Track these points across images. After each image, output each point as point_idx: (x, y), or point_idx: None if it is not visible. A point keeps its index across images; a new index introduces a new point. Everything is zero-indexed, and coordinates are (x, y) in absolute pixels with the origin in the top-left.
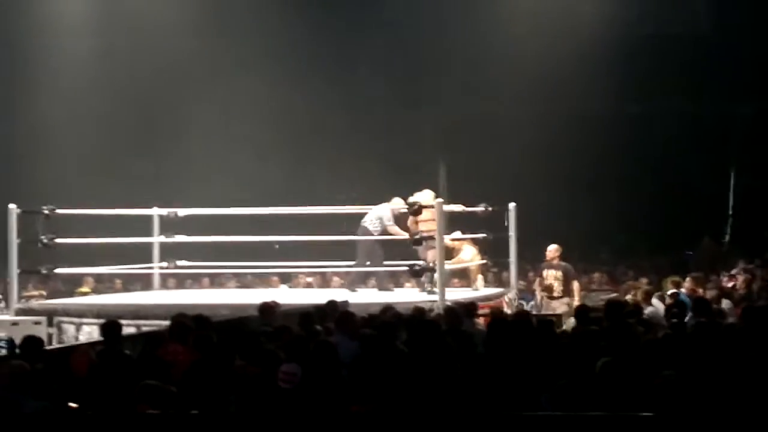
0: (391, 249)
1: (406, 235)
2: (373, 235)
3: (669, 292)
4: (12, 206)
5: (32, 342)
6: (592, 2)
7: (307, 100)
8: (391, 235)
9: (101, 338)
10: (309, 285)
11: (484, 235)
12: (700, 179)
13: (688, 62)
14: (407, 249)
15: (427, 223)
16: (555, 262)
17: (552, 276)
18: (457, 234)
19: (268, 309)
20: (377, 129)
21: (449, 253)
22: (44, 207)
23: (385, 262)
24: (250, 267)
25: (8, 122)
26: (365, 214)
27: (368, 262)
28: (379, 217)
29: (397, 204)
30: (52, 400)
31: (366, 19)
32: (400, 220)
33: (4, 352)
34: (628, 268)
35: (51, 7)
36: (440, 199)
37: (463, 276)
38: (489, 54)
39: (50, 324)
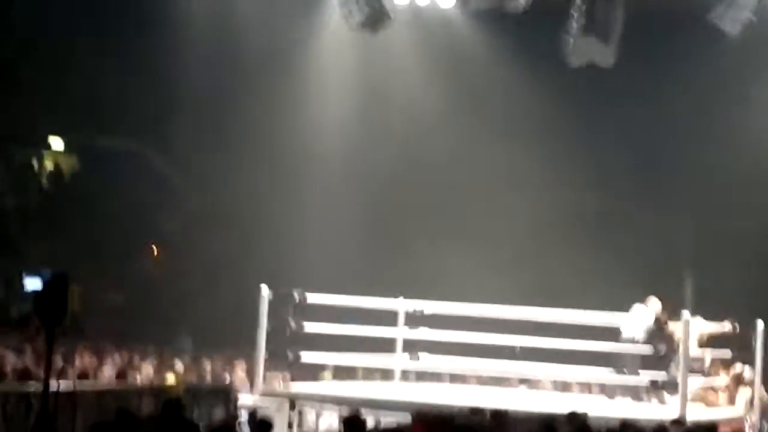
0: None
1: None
2: (637, 343)
3: None
4: (264, 289)
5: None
6: None
7: (557, 201)
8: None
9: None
10: (547, 388)
11: (731, 355)
12: None
13: None
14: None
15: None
16: None
17: None
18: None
19: (499, 417)
20: (625, 234)
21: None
22: (295, 291)
23: (627, 375)
24: (492, 368)
25: (267, 206)
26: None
27: (625, 371)
28: (639, 325)
29: (655, 306)
30: None
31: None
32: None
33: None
34: None
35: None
36: (688, 314)
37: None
38: (741, 161)
39: (292, 408)
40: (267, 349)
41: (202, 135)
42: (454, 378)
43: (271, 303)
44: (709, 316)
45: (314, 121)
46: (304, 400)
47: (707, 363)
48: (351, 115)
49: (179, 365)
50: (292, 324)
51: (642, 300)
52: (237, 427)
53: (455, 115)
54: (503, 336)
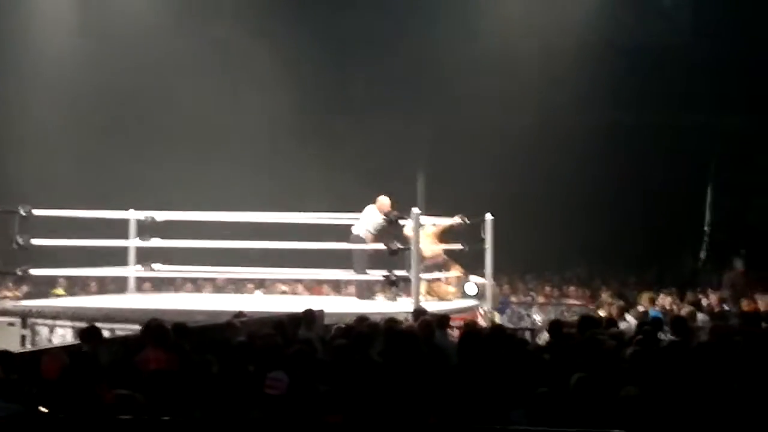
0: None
1: (380, 246)
2: (364, 242)
3: (641, 308)
4: None
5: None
6: (576, 12)
7: (282, 104)
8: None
9: (75, 341)
10: (283, 292)
11: (461, 247)
12: (679, 194)
13: (667, 74)
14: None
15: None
16: None
17: None
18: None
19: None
20: (354, 135)
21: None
22: (21, 207)
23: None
24: (227, 273)
25: None
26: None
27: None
28: (367, 224)
29: (383, 204)
30: (24, 403)
31: (348, 24)
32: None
33: None
34: (603, 282)
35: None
36: (418, 211)
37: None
38: (469, 63)
39: (24, 325)
40: None
41: None
42: (190, 287)
43: None
44: (441, 212)
45: (30, 29)
46: (37, 317)
47: (440, 257)
48: (69, 27)
49: None
50: (19, 240)
51: (374, 201)
52: None
53: (183, 20)
54: (238, 242)
